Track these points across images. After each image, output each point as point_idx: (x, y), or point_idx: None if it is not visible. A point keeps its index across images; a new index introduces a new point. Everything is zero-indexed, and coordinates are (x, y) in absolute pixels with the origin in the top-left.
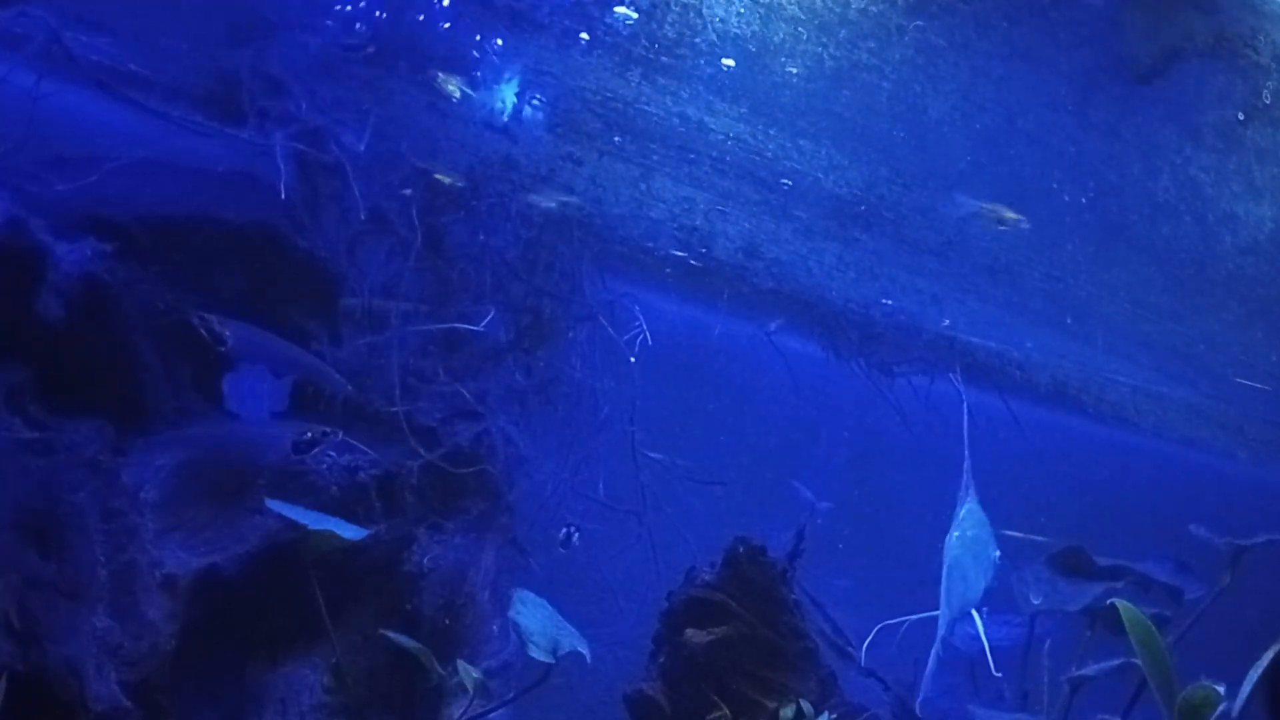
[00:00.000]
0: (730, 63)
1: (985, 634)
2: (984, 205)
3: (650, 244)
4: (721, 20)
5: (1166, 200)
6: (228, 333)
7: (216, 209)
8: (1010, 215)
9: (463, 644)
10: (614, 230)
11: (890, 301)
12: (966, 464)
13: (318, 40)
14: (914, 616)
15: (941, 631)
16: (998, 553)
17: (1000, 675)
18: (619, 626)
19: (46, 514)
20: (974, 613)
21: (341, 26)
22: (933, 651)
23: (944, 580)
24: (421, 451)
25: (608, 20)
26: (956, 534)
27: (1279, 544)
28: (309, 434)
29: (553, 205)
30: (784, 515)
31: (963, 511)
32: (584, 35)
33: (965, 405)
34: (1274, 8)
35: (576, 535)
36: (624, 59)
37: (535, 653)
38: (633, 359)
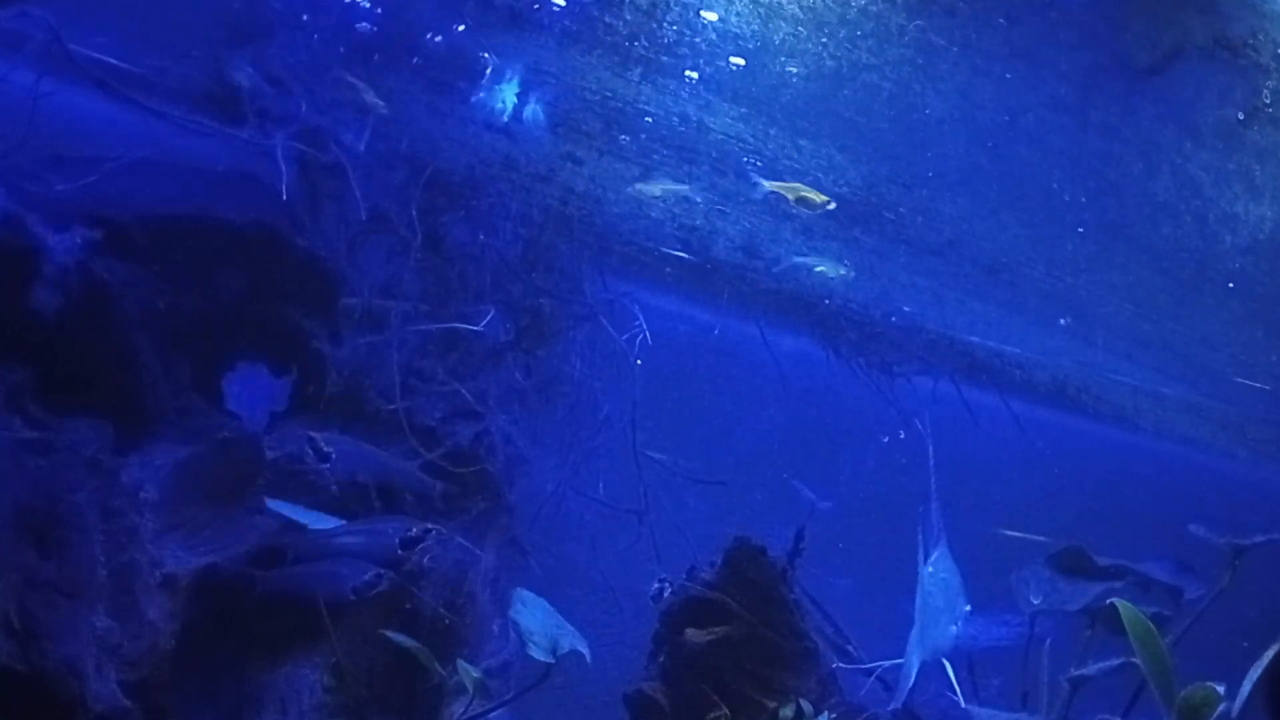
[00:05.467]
0: (740, 61)
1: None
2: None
3: (650, 244)
4: (721, 20)
5: (1166, 200)
6: (332, 450)
7: (216, 209)
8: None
9: (463, 644)
10: (614, 230)
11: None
12: (935, 506)
13: (318, 40)
14: (885, 663)
15: (910, 677)
16: (968, 607)
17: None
18: (619, 626)
19: (46, 514)
20: (944, 662)
21: (342, 26)
22: (903, 681)
23: (917, 615)
24: (421, 451)
25: (608, 20)
26: (930, 570)
27: (1279, 544)
28: (414, 530)
29: (658, 193)
30: (784, 515)
31: (935, 555)
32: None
33: (930, 450)
34: (1274, 8)
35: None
36: (624, 59)
37: (535, 652)
38: (638, 361)
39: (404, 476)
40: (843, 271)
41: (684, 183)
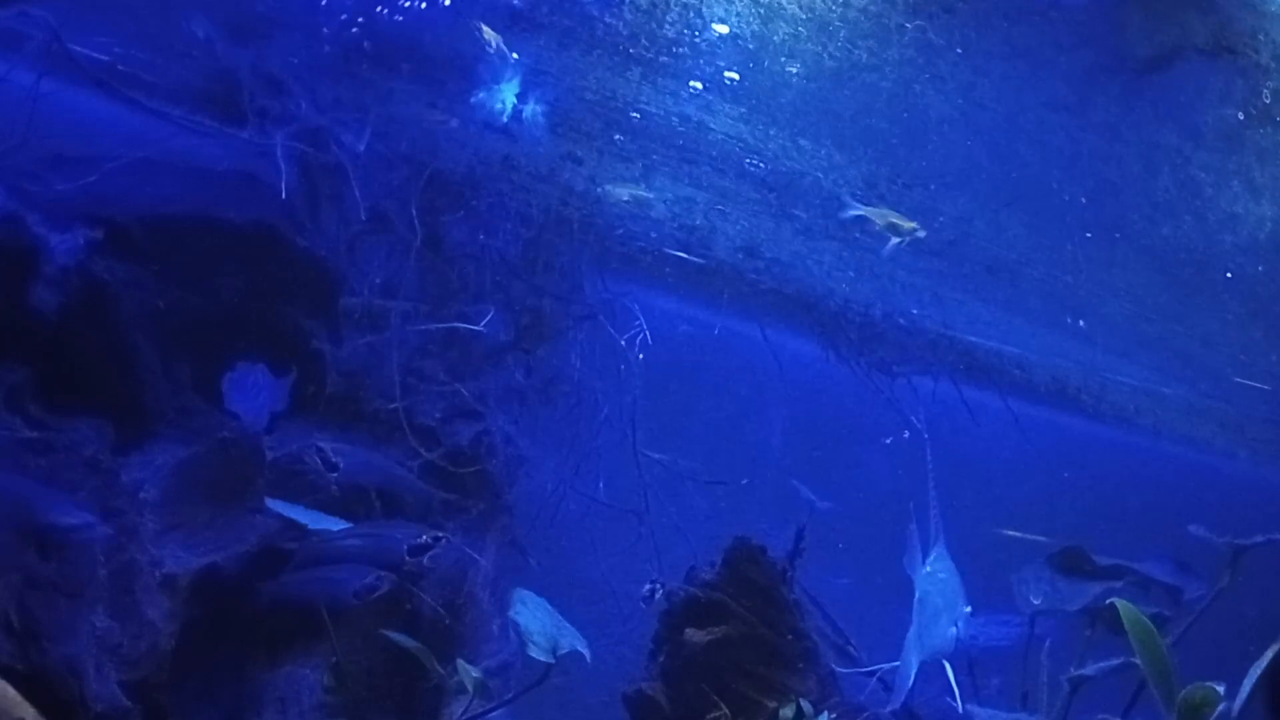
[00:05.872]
0: (735, 76)
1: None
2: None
3: (650, 244)
4: (721, 20)
5: (1166, 200)
6: (340, 461)
7: (216, 209)
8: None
9: (463, 644)
10: (614, 230)
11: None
12: (933, 507)
13: (318, 40)
14: (884, 666)
15: (909, 677)
16: (969, 608)
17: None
18: (619, 626)
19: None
20: (945, 664)
21: (341, 26)
22: (900, 681)
23: (915, 615)
24: (421, 451)
25: (608, 20)
26: (928, 569)
27: (1279, 544)
28: (424, 537)
29: (625, 197)
30: (784, 515)
31: (933, 554)
32: None
33: (929, 449)
34: (1274, 8)
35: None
36: (624, 59)
37: (535, 653)
38: (640, 356)
39: (407, 485)
40: (913, 225)
41: (682, 182)
